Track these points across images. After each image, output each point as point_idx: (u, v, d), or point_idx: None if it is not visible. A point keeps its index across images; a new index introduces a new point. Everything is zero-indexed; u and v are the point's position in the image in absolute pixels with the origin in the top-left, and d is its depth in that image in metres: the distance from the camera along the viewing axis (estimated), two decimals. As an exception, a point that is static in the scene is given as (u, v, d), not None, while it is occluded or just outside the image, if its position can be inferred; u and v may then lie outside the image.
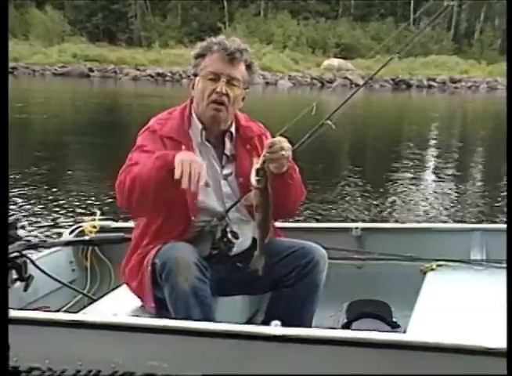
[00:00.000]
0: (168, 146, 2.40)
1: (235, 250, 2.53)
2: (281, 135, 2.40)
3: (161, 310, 2.35)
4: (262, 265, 2.37)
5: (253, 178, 2.26)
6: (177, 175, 2.16)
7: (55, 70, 40.16)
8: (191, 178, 2.16)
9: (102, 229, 3.21)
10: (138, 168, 2.29)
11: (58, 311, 2.84)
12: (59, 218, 6.15)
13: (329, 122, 2.65)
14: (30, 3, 53.69)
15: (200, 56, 2.47)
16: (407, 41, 2.95)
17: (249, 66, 2.49)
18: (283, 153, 2.29)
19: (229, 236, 2.50)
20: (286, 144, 2.30)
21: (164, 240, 2.41)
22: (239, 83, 2.44)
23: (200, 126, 2.48)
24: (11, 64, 34.24)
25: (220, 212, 2.48)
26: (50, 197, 7.07)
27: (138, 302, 2.55)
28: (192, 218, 2.42)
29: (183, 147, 2.39)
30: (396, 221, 6.42)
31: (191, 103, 2.53)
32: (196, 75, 2.48)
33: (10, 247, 2.66)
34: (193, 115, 2.50)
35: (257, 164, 2.26)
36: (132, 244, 2.56)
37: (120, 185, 2.35)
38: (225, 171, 2.53)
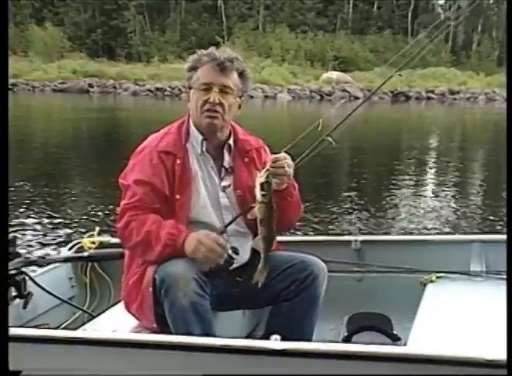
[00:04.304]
0: (165, 161, 2.43)
1: (234, 265, 2.53)
2: (285, 152, 2.41)
3: (163, 328, 2.34)
4: (264, 278, 2.37)
5: (257, 193, 2.27)
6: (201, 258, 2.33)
7: (55, 86, 40.37)
8: (217, 255, 2.33)
9: (102, 245, 3.20)
10: (144, 234, 2.35)
11: (57, 328, 2.84)
12: (58, 234, 6.14)
13: (329, 139, 2.65)
14: (30, 20, 54.12)
15: (192, 68, 2.49)
16: (406, 59, 2.94)
17: (241, 74, 2.51)
18: (287, 169, 2.32)
19: (230, 251, 2.50)
20: (289, 161, 2.34)
21: None
22: (232, 91, 2.46)
23: (200, 137, 2.50)
24: (11, 81, 34.39)
25: (219, 227, 2.49)
26: (49, 213, 7.07)
27: (137, 318, 2.54)
28: None
29: (178, 161, 2.43)
30: (396, 233, 6.41)
31: (189, 116, 2.55)
32: (190, 88, 2.51)
33: (9, 264, 2.66)
34: (192, 127, 2.52)
35: (261, 177, 2.26)
36: (127, 262, 2.56)
37: (124, 232, 2.42)
38: (224, 183, 2.54)
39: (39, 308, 2.87)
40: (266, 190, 2.25)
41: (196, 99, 2.46)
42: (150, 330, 2.41)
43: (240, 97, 2.52)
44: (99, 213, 7.07)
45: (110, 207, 6.96)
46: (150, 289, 2.34)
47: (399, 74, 2.84)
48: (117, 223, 2.45)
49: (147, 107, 29.92)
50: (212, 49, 2.50)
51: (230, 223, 2.50)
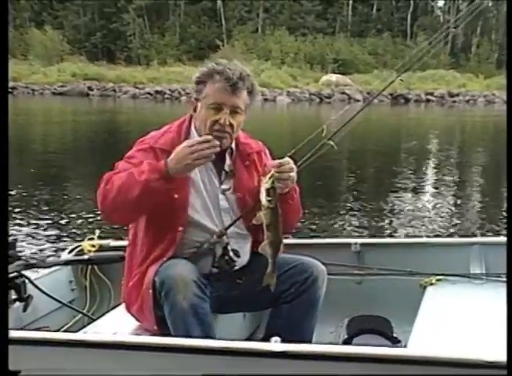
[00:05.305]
0: (161, 158, 2.38)
1: (235, 267, 2.53)
2: (288, 156, 2.41)
3: (164, 330, 2.34)
4: (274, 282, 2.37)
5: (263, 199, 2.26)
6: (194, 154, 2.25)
7: (55, 89, 40.38)
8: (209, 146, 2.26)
9: (101, 248, 3.20)
10: (126, 174, 2.30)
11: (57, 331, 2.83)
12: (58, 237, 6.14)
13: (331, 142, 2.64)
14: (30, 23, 54.20)
15: (202, 82, 2.43)
16: (407, 64, 2.95)
17: (251, 91, 2.46)
18: (291, 174, 2.32)
19: (231, 254, 2.50)
20: (293, 166, 2.35)
21: (156, 253, 2.42)
22: (242, 111, 2.44)
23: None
24: (10, 84, 34.40)
25: (219, 229, 2.49)
26: (49, 216, 7.06)
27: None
28: (180, 228, 2.42)
29: None
30: (395, 236, 6.41)
31: (190, 118, 2.53)
32: (197, 100, 2.46)
33: (9, 267, 2.66)
34: (193, 129, 2.50)
35: (266, 183, 2.26)
36: (127, 264, 2.56)
37: (103, 188, 2.32)
38: (224, 186, 2.54)
39: (39, 311, 2.87)
40: (272, 196, 2.25)
41: (204, 116, 2.41)
42: (150, 332, 2.41)
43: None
44: (100, 216, 7.06)
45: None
46: (150, 291, 2.34)
47: (401, 80, 2.85)
48: (98, 189, 2.36)
49: (147, 110, 29.93)
50: (224, 65, 2.42)
51: (231, 225, 2.50)
